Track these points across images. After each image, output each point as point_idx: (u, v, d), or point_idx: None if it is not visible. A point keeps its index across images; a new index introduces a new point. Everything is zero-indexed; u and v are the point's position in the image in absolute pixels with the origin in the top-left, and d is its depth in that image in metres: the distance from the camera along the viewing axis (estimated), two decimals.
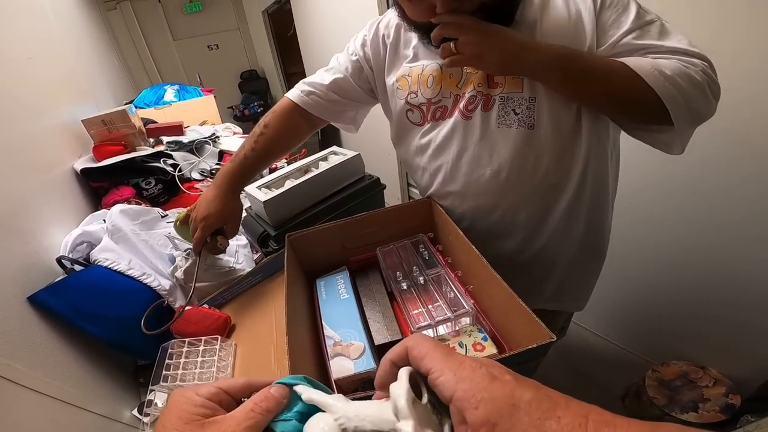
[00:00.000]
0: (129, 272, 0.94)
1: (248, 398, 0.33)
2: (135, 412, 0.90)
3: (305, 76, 0.85)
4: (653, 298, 1.44)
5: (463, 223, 0.81)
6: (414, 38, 0.77)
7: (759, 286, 1.13)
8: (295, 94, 0.89)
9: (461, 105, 0.72)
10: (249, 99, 5.79)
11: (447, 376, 0.25)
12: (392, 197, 2.55)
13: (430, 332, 0.61)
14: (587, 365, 1.59)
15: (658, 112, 0.59)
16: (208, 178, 1.56)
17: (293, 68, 5.31)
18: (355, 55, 0.86)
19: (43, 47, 1.57)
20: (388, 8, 2.48)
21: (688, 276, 1.30)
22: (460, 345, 0.59)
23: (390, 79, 0.82)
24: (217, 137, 1.82)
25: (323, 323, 0.65)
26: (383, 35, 0.82)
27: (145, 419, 0.87)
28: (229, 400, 0.34)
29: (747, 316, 1.19)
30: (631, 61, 0.59)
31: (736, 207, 1.10)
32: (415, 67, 0.77)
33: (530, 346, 0.47)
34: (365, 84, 0.88)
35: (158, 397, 0.88)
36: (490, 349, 0.58)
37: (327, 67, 0.91)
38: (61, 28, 2.01)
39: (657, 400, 1.26)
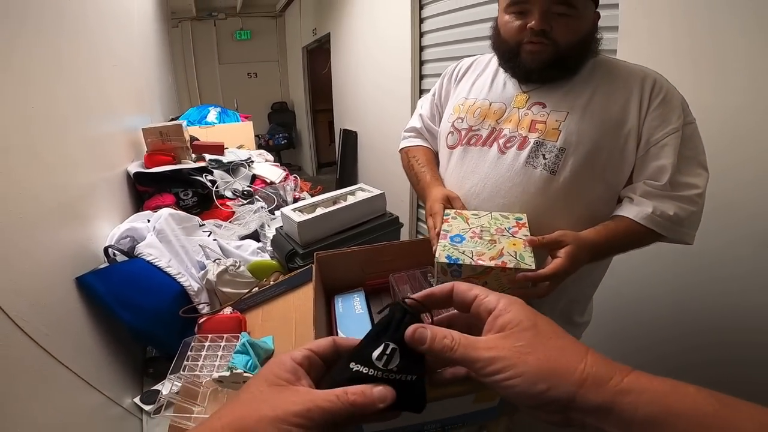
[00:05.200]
0: (167, 269, 1.05)
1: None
2: (137, 400, 0.96)
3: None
4: (633, 353, 1.49)
5: None
6: (474, 76, 0.95)
7: (717, 335, 1.22)
8: (411, 141, 1.08)
9: (501, 141, 0.84)
10: (275, 130, 6.04)
11: (491, 297, 0.33)
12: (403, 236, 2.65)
13: None
14: None
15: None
16: (239, 198, 1.70)
17: (321, 105, 5.61)
18: (434, 94, 1.05)
19: (125, 55, 1.75)
20: (421, 56, 2.74)
21: (670, 329, 1.38)
22: None
23: (448, 109, 0.98)
24: (252, 162, 1.98)
25: (338, 331, 0.75)
26: (455, 74, 1.01)
27: (147, 407, 0.94)
28: (319, 362, 0.34)
29: (705, 362, 1.26)
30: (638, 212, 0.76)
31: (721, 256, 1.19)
32: (470, 100, 0.92)
33: None
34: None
35: (165, 387, 0.96)
36: None
37: (415, 114, 1.11)
38: (139, 39, 2.21)
39: None
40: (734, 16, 1.06)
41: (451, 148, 0.93)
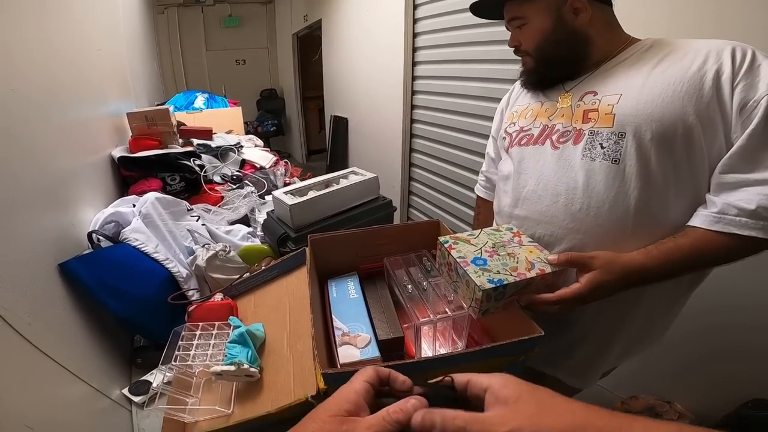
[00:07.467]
0: (154, 255, 1.02)
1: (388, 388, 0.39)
2: (126, 391, 0.94)
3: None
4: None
5: None
6: (524, 90, 0.91)
7: (722, 332, 1.24)
8: (481, 191, 1.11)
9: (554, 137, 0.78)
10: (264, 117, 6.01)
11: (482, 378, 0.36)
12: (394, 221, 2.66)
13: (430, 327, 0.68)
14: None
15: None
16: (228, 183, 1.66)
17: (311, 92, 5.59)
18: (495, 131, 1.03)
19: (109, 41, 1.71)
20: (414, 42, 2.73)
21: None
22: None
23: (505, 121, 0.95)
24: (241, 146, 1.95)
25: (333, 316, 0.73)
26: (508, 100, 0.99)
27: (137, 399, 0.92)
28: (372, 391, 0.37)
29: (710, 358, 1.29)
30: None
31: None
32: (522, 106, 0.89)
33: (522, 338, 0.55)
34: None
35: (155, 378, 0.93)
36: None
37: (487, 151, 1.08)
38: (124, 25, 2.18)
39: None
40: None
41: (505, 150, 0.92)
